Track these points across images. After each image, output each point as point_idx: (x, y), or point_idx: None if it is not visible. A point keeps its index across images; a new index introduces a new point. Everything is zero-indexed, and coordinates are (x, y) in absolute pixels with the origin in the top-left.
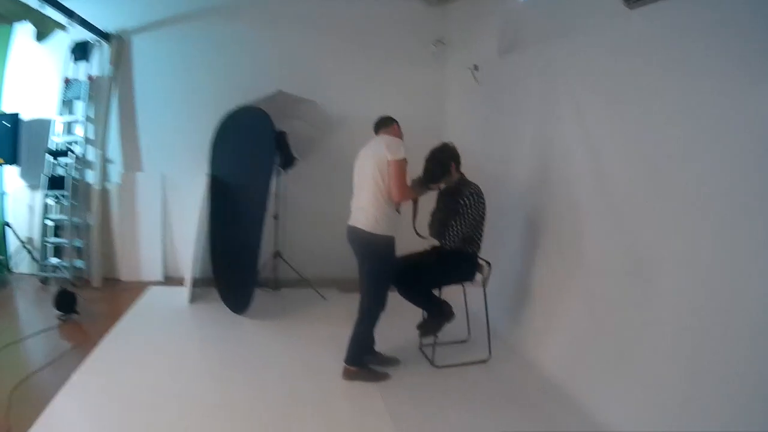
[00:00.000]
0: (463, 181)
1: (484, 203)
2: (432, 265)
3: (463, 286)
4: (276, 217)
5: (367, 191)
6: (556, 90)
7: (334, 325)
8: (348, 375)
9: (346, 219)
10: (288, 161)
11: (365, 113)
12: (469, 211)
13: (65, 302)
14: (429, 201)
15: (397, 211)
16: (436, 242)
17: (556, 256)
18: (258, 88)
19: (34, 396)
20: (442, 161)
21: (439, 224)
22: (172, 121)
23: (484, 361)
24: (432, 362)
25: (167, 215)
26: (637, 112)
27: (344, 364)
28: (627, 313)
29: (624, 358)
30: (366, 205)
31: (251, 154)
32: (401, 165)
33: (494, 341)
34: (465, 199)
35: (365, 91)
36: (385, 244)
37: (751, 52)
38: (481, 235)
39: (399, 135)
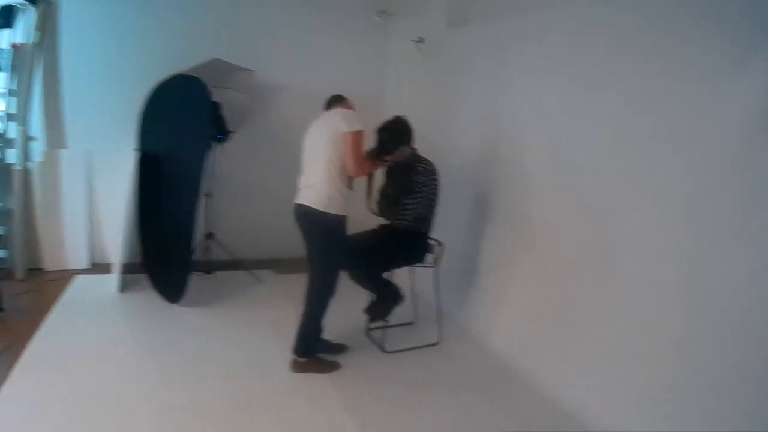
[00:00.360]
0: (416, 157)
1: (437, 180)
2: (382, 246)
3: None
4: (208, 195)
5: (320, 167)
6: (510, 64)
7: (274, 309)
8: (297, 367)
9: (283, 196)
10: (222, 134)
11: (304, 84)
12: (423, 188)
13: None
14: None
15: (350, 187)
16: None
17: (507, 233)
18: (192, 57)
19: None
20: (395, 133)
21: (390, 202)
22: (100, 92)
23: (434, 344)
24: (382, 347)
25: (93, 196)
26: (597, 92)
27: (293, 355)
28: (581, 291)
29: (578, 337)
30: (317, 182)
31: (185, 127)
32: (358, 137)
33: (443, 323)
34: (419, 175)
35: (305, 60)
36: (338, 223)
37: (723, 36)
38: (433, 214)
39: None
